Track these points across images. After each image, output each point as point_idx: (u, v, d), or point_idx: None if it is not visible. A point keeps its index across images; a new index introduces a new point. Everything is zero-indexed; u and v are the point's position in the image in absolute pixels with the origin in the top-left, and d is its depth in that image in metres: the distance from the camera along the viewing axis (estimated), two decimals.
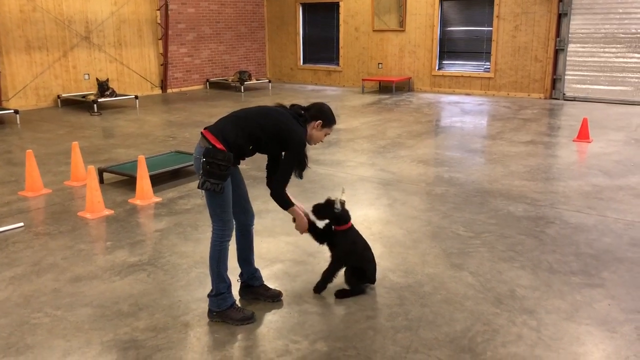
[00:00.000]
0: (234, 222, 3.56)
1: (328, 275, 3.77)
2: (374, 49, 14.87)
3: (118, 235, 4.89)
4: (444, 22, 13.84)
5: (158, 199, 5.80)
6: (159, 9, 13.66)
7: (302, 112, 3.51)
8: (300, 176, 3.55)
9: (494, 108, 11.66)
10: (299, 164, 3.47)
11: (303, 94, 13.94)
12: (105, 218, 5.31)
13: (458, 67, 13.93)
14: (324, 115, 3.53)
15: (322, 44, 15.87)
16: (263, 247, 4.51)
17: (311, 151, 7.76)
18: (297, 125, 3.42)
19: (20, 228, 5.05)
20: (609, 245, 4.58)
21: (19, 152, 7.92)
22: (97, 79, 11.99)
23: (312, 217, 3.73)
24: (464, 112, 11.14)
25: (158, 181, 6.26)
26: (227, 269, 3.50)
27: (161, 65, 14.03)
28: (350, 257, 3.76)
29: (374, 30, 14.72)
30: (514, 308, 3.60)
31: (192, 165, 6.62)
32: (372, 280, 3.85)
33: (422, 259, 4.34)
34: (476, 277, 4.03)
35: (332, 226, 3.77)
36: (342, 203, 3.70)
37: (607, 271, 4.11)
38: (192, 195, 5.92)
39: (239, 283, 3.77)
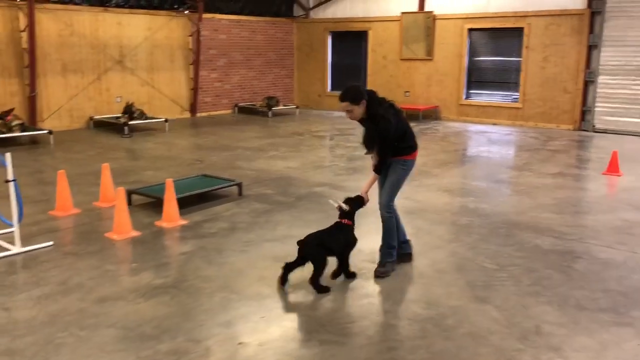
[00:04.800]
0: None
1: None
2: (401, 77, 14.94)
3: (144, 257, 4.95)
4: (472, 52, 13.87)
5: (184, 222, 5.87)
6: (191, 35, 13.99)
7: None
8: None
9: (522, 138, 11.56)
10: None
11: (330, 120, 14.03)
12: (131, 239, 5.38)
13: (486, 97, 13.89)
14: None
15: (350, 71, 16.00)
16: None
17: (335, 177, 7.85)
18: None
19: (49, 247, 5.15)
20: (639, 282, 4.47)
21: (51, 172, 8.10)
22: (126, 103, 12.28)
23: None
24: (491, 142, 11.07)
25: (185, 204, 6.33)
26: (395, 240, 4.64)
27: (191, 89, 14.31)
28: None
29: (401, 59, 14.81)
30: (539, 345, 3.52)
31: (218, 188, 6.74)
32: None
33: (447, 291, 4.29)
34: (501, 311, 3.96)
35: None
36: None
37: (637, 310, 4.00)
38: (217, 219, 5.97)
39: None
